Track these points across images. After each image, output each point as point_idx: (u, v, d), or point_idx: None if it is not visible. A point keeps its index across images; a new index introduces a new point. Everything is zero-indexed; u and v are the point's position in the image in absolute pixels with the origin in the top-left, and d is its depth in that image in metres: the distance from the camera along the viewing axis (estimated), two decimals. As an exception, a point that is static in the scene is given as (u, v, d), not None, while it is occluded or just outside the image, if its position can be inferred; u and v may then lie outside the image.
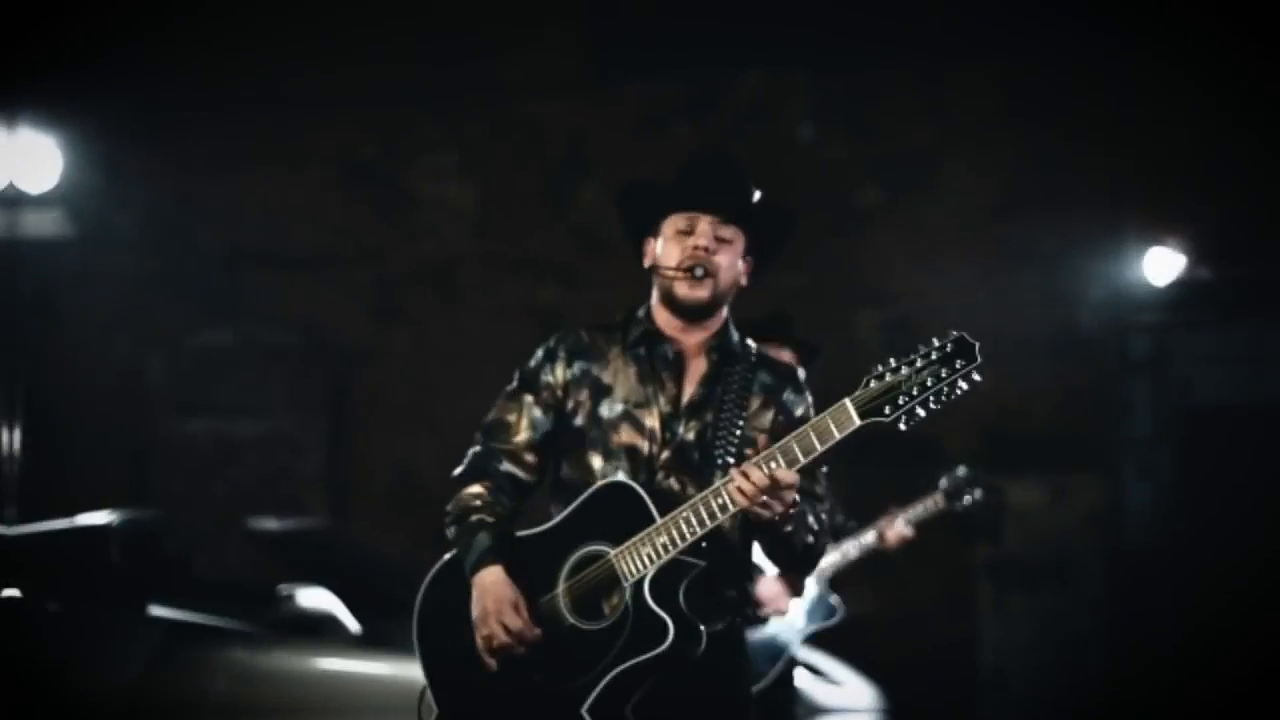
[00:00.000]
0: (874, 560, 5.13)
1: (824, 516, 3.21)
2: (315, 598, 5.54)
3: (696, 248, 3.16)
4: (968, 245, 8.58)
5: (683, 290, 3.17)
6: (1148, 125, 8.19)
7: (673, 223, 3.21)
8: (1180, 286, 8.15)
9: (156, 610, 5.23)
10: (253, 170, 9.47)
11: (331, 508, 9.19)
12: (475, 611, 3.07)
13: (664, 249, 3.21)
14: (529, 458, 3.23)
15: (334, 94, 9.27)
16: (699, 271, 3.15)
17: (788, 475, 2.93)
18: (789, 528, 3.04)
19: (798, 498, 3.00)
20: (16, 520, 6.76)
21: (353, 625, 5.47)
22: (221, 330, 9.59)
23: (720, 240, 3.18)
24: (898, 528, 5.11)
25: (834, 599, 5.06)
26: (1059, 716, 8.20)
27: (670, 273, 3.17)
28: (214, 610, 5.44)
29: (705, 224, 3.18)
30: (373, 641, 5.39)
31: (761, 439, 3.05)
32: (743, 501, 2.94)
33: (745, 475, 2.93)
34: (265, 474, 9.44)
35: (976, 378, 2.92)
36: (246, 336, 9.55)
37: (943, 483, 5.21)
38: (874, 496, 5.51)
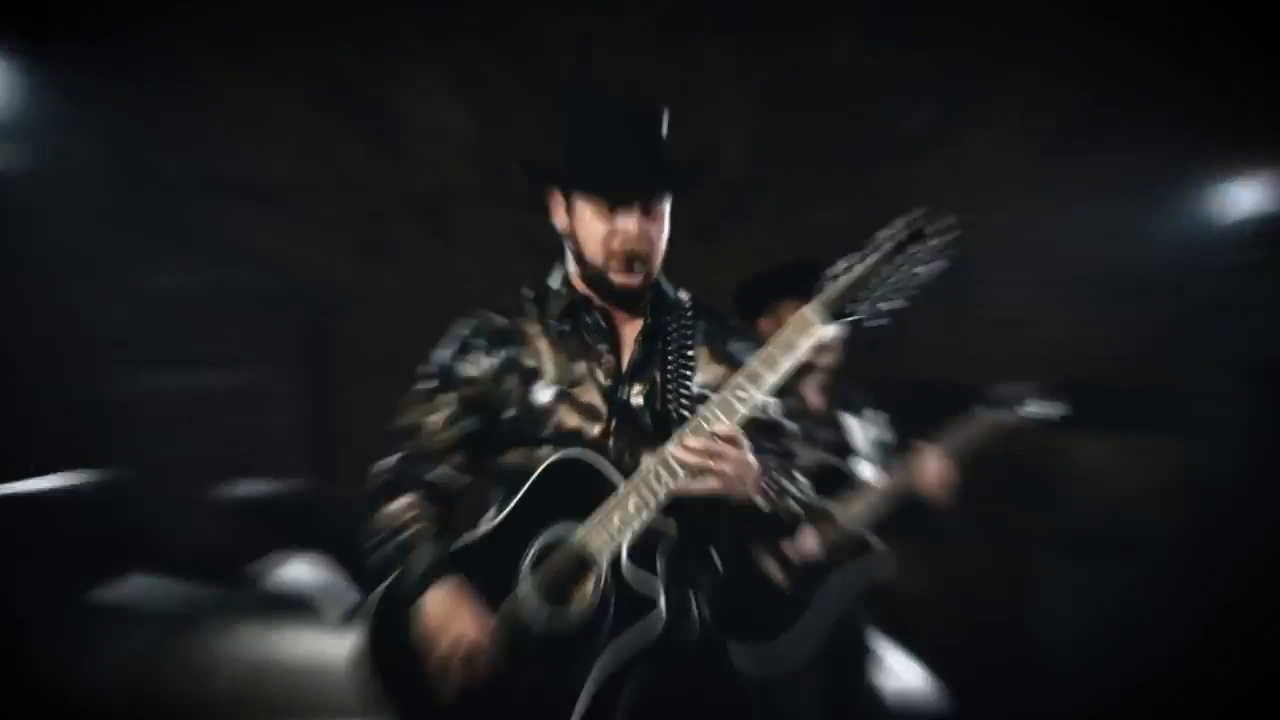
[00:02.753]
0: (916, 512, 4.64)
1: (799, 476, 3.01)
2: (307, 568, 5.43)
3: (628, 236, 2.95)
4: (1023, 177, 8.12)
5: (619, 279, 2.97)
6: (1221, 47, 7.66)
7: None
8: (1258, 223, 7.81)
9: (127, 583, 4.75)
10: (221, 91, 8.81)
11: (312, 468, 8.75)
12: (438, 630, 2.78)
13: (586, 226, 2.98)
14: (456, 459, 3.00)
15: (313, 6, 8.56)
16: (637, 266, 2.96)
17: (725, 428, 2.70)
18: (762, 503, 2.84)
19: (758, 463, 2.81)
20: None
21: (352, 594, 5.27)
22: (188, 272, 9.16)
23: (650, 219, 2.97)
24: (929, 463, 4.58)
25: (876, 542, 4.54)
26: (1118, 695, 7.77)
27: (599, 265, 2.99)
28: (193, 582, 5.20)
29: (636, 207, 2.96)
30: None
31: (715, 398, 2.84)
32: (690, 460, 2.71)
33: (680, 443, 2.74)
34: (237, 431, 9.05)
35: (934, 263, 2.81)
36: (215, 278, 9.17)
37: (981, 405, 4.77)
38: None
